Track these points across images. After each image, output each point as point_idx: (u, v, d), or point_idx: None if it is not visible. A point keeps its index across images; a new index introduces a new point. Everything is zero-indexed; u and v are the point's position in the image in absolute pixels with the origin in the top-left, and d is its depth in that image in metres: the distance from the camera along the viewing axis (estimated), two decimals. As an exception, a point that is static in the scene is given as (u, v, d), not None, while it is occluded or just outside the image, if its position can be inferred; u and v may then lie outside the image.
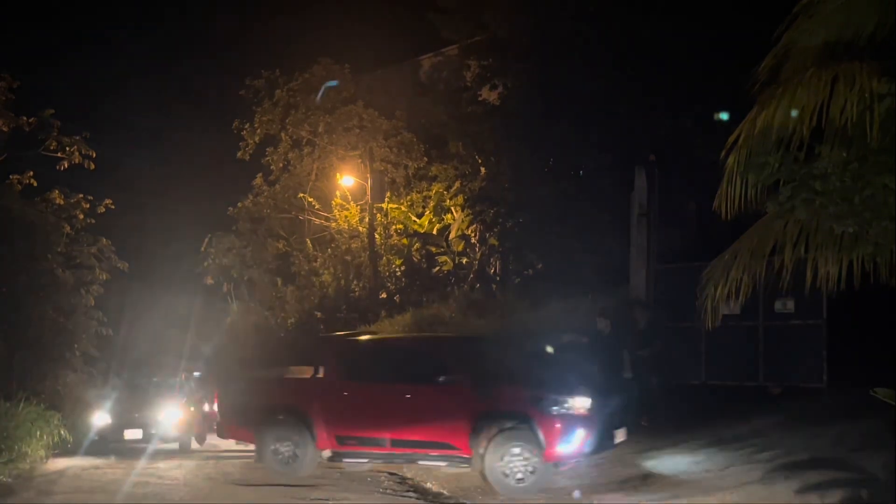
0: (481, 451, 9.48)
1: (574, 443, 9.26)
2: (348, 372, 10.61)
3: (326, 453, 10.62)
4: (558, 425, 9.27)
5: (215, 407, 12.39)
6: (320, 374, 10.81)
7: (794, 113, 6.93)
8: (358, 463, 10.66)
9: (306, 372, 11.02)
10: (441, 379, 9.91)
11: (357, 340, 12.33)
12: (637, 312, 12.80)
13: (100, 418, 16.34)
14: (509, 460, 9.38)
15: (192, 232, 25.70)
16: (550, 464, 9.41)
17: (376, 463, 10.77)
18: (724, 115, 13.07)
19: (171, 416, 16.57)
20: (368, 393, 10.38)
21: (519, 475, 9.35)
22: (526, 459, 9.33)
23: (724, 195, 7.41)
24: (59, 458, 13.56)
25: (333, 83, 23.03)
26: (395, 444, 10.18)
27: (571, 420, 9.28)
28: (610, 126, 15.46)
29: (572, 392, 9.42)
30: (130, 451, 15.21)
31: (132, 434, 16.17)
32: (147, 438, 16.04)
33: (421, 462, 10.31)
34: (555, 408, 9.36)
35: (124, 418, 16.32)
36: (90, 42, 38.12)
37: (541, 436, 9.24)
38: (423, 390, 10.05)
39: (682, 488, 8.40)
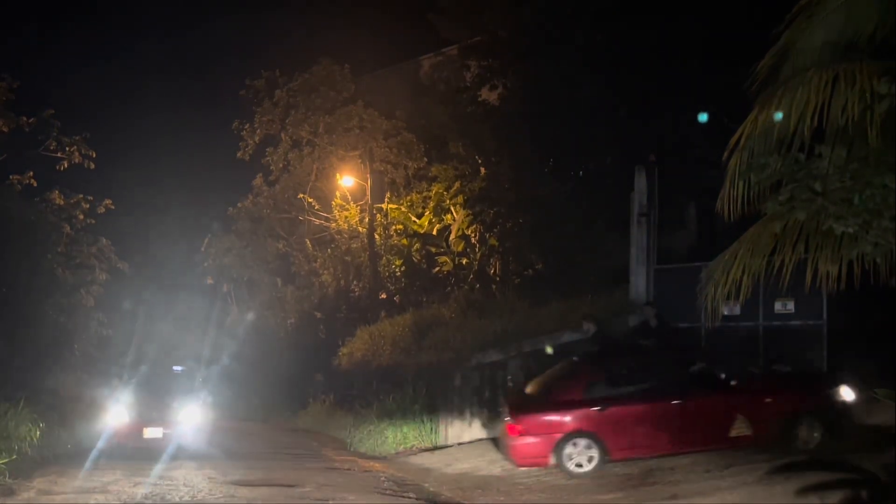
0: None
1: None
2: None
3: None
4: None
5: None
6: None
7: (777, 116, 6.89)
8: None
9: None
10: None
11: None
12: (646, 311, 12.86)
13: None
14: None
15: (192, 232, 25.72)
16: None
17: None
18: (724, 117, 13.09)
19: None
20: None
21: None
22: None
23: (726, 196, 7.39)
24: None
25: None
26: None
27: None
28: (610, 126, 15.44)
29: None
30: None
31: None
32: None
33: None
34: None
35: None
36: (90, 42, 38.22)
37: None
38: None
39: (683, 488, 8.40)
